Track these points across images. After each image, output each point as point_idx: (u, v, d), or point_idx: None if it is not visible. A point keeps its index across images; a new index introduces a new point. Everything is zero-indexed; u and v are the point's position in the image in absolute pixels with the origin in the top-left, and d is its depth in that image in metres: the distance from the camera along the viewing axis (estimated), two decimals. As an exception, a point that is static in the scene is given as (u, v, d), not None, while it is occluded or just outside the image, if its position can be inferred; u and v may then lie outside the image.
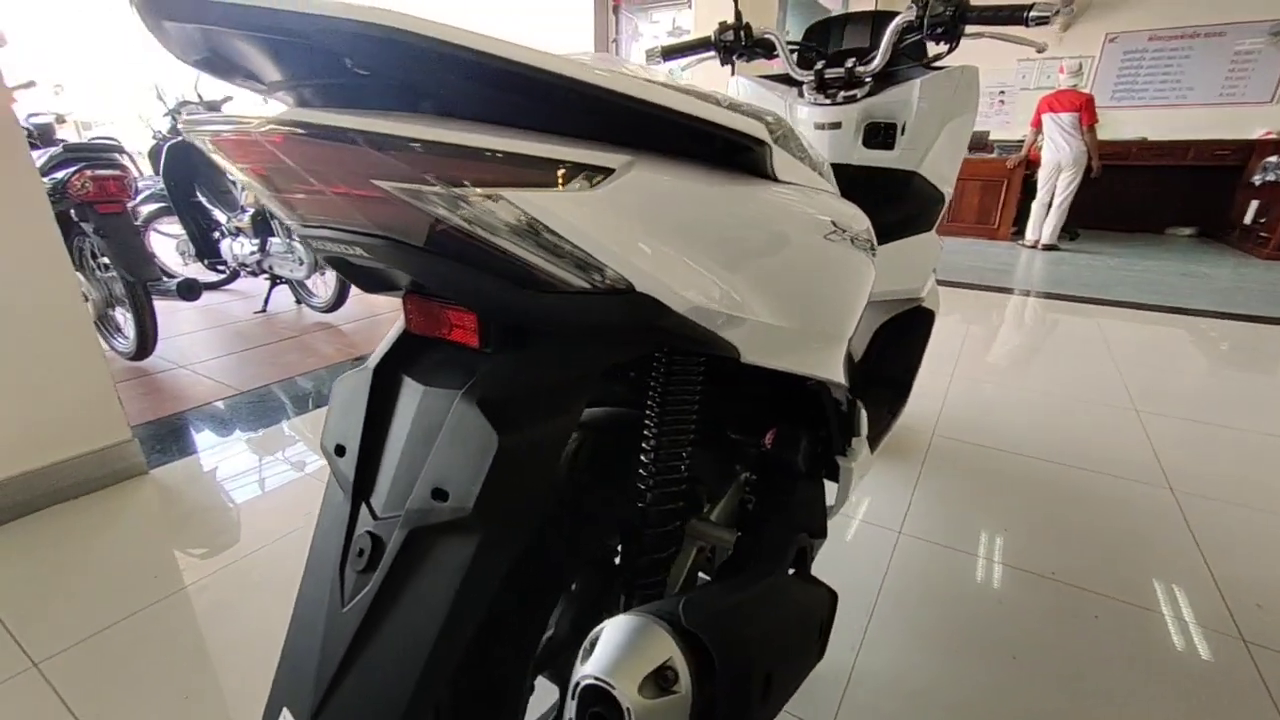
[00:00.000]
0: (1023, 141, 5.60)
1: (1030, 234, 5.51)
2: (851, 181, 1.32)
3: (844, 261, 0.64)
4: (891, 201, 1.35)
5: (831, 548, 1.36)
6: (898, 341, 1.46)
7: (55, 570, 1.29)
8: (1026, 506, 1.51)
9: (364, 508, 0.46)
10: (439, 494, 0.42)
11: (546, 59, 0.35)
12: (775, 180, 0.53)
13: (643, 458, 0.61)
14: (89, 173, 2.03)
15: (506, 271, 0.39)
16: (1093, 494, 1.57)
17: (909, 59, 1.29)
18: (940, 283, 3.92)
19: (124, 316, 2.34)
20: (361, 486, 0.46)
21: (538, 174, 0.35)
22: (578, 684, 0.39)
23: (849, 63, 1.23)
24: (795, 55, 1.33)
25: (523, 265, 0.38)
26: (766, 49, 1.28)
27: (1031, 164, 5.53)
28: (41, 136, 4.60)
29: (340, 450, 0.48)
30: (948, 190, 1.40)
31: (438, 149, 0.32)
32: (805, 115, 1.31)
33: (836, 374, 0.78)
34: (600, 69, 0.38)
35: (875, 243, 0.76)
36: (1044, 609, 1.18)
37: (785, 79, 1.39)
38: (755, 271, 0.51)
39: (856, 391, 1.31)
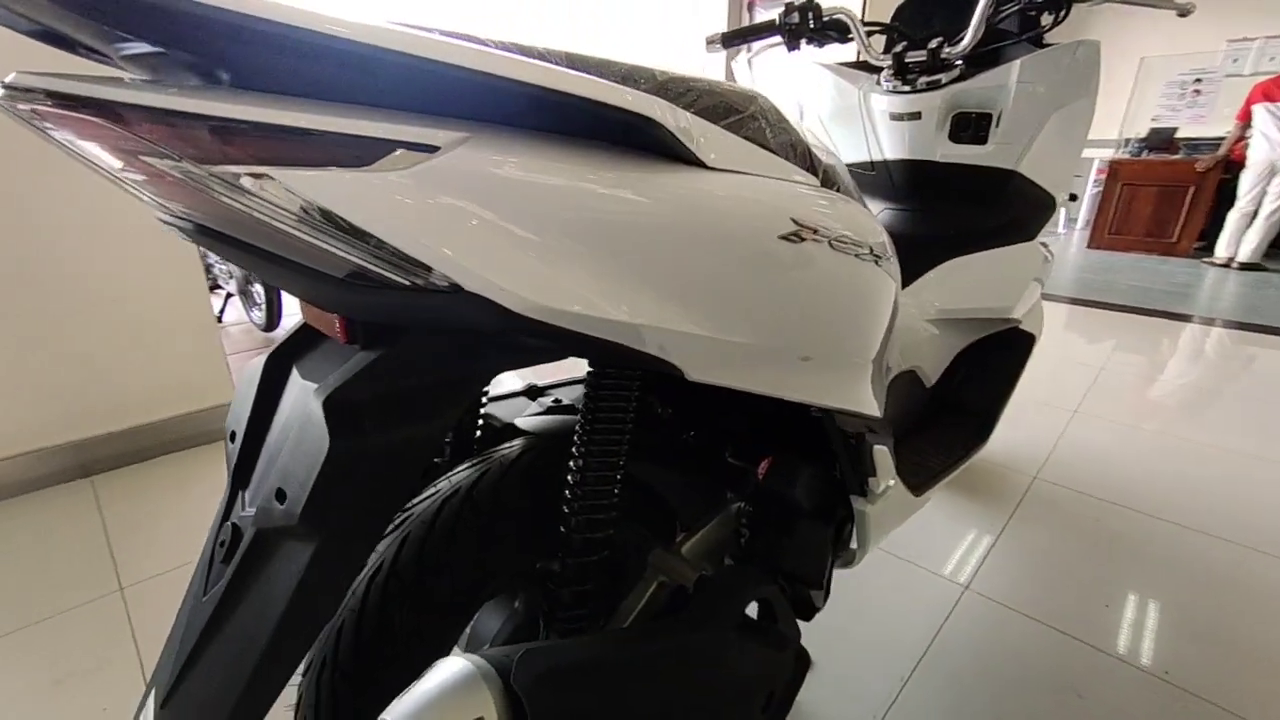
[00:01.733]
0: (1221, 139, 4.70)
1: (1223, 249, 4.62)
2: (931, 182, 1.15)
3: (826, 270, 0.54)
4: (981, 205, 1.16)
5: (874, 591, 1.20)
6: (984, 367, 1.26)
7: (155, 511, 1.48)
8: (1147, 581, 1.24)
9: (240, 497, 0.45)
10: (280, 495, 0.40)
11: (355, 29, 0.30)
12: (706, 168, 0.44)
13: (569, 479, 0.55)
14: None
15: (326, 265, 0.35)
16: (1253, 580, 1.26)
17: (1015, 36, 1.09)
18: (1085, 303, 3.42)
19: (258, 293, 2.66)
20: (241, 476, 0.45)
21: (323, 152, 0.31)
22: None
23: (933, 44, 1.07)
24: (876, 38, 1.18)
25: (338, 259, 0.34)
26: (840, 31, 1.15)
27: (1232, 165, 4.63)
28: None
29: (233, 437, 0.48)
30: (1059, 193, 1.18)
31: (198, 122, 0.29)
32: (879, 105, 1.17)
33: (849, 402, 0.67)
34: (441, 39, 0.33)
35: (888, 253, 0.64)
36: (1143, 717, 0.95)
37: (865, 66, 1.24)
38: (667, 274, 0.43)
39: (909, 422, 1.15)
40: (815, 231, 0.50)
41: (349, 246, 0.33)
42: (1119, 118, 6.22)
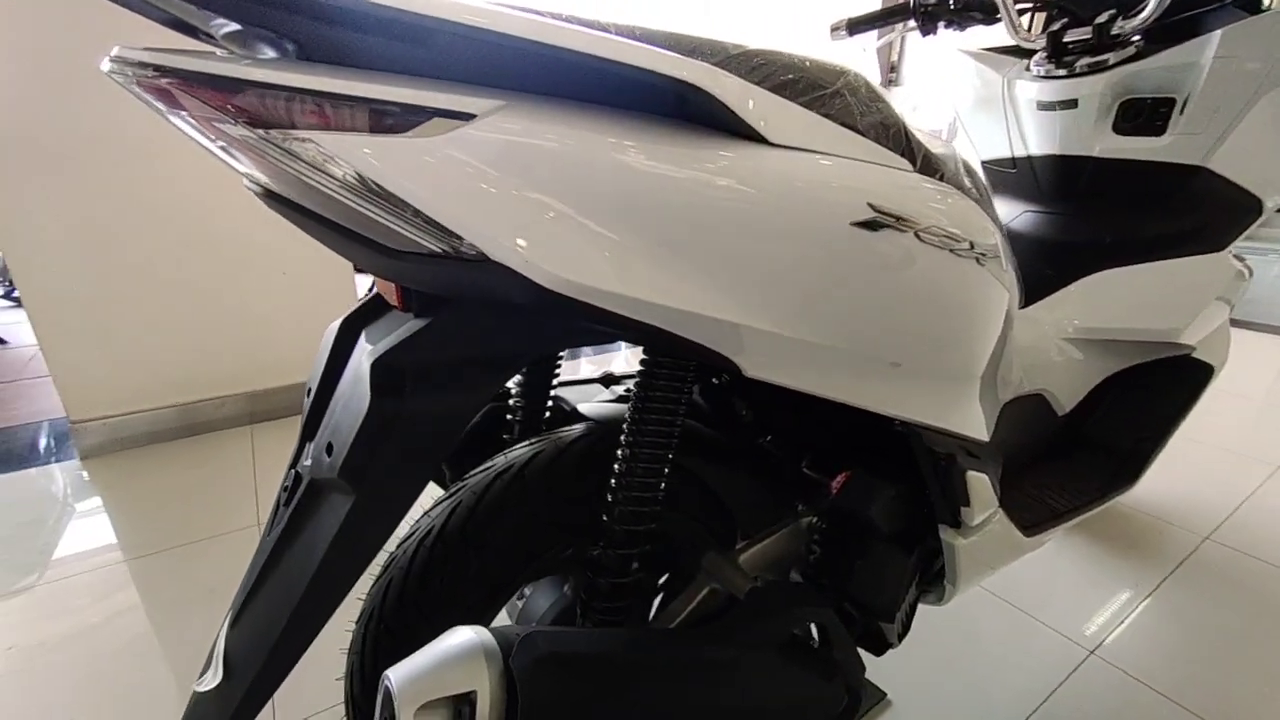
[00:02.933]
0: None
1: None
2: (1086, 180, 1.00)
3: (914, 264, 0.48)
4: (1151, 208, 0.99)
5: (983, 637, 1.07)
6: (1138, 399, 1.07)
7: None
8: (1343, 682, 0.99)
9: (306, 448, 0.50)
10: (330, 448, 0.43)
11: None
12: (769, 144, 0.41)
13: (616, 467, 0.54)
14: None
15: (375, 232, 0.37)
16: None
17: (1226, 3, 0.91)
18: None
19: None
20: (309, 429, 0.50)
21: (362, 119, 0.33)
22: (383, 678, 0.37)
23: (1103, 17, 0.92)
24: (1032, 17, 1.04)
25: (382, 226, 0.36)
26: (985, 11, 1.02)
27: None
28: None
29: (309, 393, 0.53)
30: (1267, 194, 0.97)
31: (247, 88, 0.32)
32: (1025, 93, 1.03)
33: (947, 421, 0.61)
34: (485, 7, 0.34)
35: (999, 255, 0.56)
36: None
37: (1017, 51, 1.10)
38: (718, 259, 0.41)
39: (1031, 452, 1.00)
40: (900, 220, 0.45)
41: (386, 212, 0.35)
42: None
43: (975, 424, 0.67)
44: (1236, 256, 1.04)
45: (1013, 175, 1.14)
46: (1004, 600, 1.17)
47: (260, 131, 0.33)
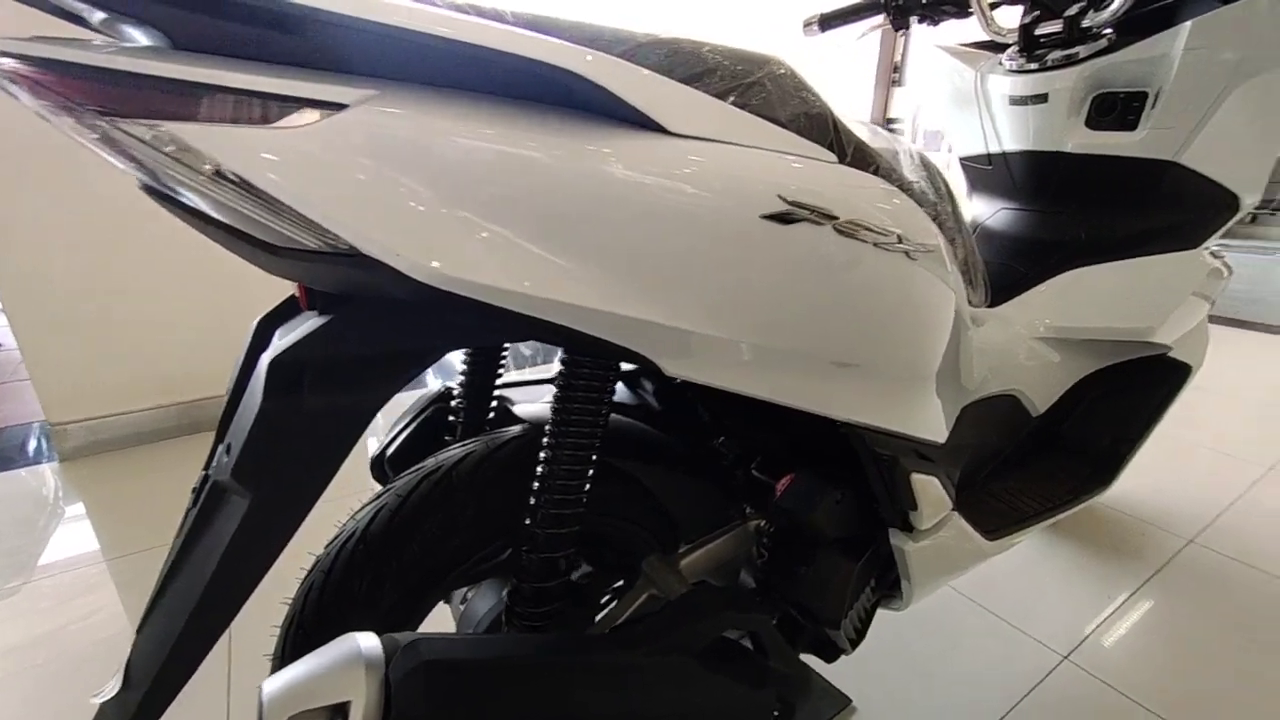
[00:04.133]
0: None
1: None
2: (1060, 177, 0.98)
3: (836, 259, 0.46)
4: (1125, 205, 0.97)
5: (954, 641, 1.05)
6: (1115, 399, 1.05)
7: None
8: (1323, 691, 0.96)
9: (218, 450, 0.49)
10: (229, 449, 0.42)
11: None
12: (669, 134, 0.40)
13: (539, 470, 0.53)
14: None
15: (250, 227, 0.36)
16: None
17: None
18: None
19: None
20: (222, 430, 0.49)
21: (225, 109, 0.31)
22: (259, 687, 0.36)
23: (1073, 9, 0.90)
24: (1005, 11, 1.02)
25: (259, 220, 0.35)
26: (958, 5, 1.01)
27: None
28: None
29: (228, 393, 0.52)
30: (1245, 189, 0.95)
31: (105, 76, 0.30)
32: (998, 88, 1.01)
33: (893, 422, 0.59)
34: None
35: (934, 250, 0.55)
36: None
37: (992, 46, 1.08)
38: (614, 252, 0.39)
39: (1003, 453, 0.98)
40: (815, 212, 0.44)
41: (258, 208, 0.34)
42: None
43: (928, 425, 0.65)
44: (1214, 254, 1.02)
45: (989, 172, 1.12)
46: (977, 604, 1.15)
47: (121, 123, 0.32)
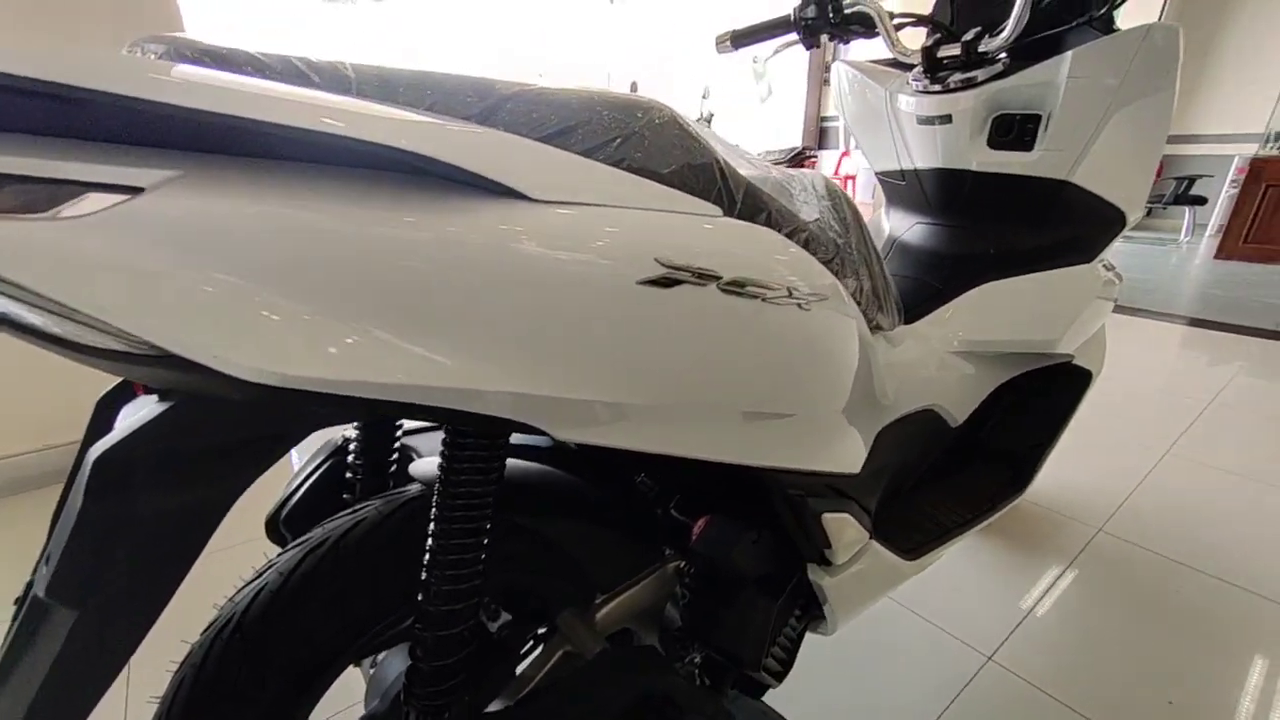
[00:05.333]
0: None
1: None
2: (968, 194, 1.01)
3: (724, 318, 0.45)
4: (1027, 221, 1.01)
5: (883, 649, 1.07)
6: (1026, 406, 1.09)
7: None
8: (1233, 676, 1.03)
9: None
10: (48, 559, 0.37)
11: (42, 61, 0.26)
12: (532, 200, 0.37)
13: (428, 543, 0.50)
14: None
15: (47, 324, 0.32)
16: (1354, 681, 1.02)
17: (1080, 21, 0.92)
18: (1201, 323, 2.97)
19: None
20: (53, 526, 0.44)
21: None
22: None
23: (969, 35, 0.93)
24: (912, 32, 1.04)
25: (48, 319, 0.30)
26: (865, 25, 1.02)
27: None
28: None
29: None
30: (1130, 207, 1.00)
31: None
32: (906, 107, 1.03)
33: (802, 461, 0.59)
34: (149, 73, 0.28)
35: (830, 293, 0.54)
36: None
37: (901, 64, 1.11)
38: (482, 328, 0.36)
39: (923, 469, 1.01)
40: (697, 274, 0.42)
41: (43, 307, 0.29)
42: (1268, 108, 5.39)
43: (840, 458, 0.65)
44: (1106, 265, 1.07)
45: (903, 187, 1.14)
46: (906, 608, 1.18)
47: None
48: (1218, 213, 5.46)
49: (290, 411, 0.39)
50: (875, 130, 1.13)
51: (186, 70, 0.29)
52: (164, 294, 0.29)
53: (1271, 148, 4.92)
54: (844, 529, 0.63)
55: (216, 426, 0.37)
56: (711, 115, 5.10)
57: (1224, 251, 4.73)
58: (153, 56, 0.34)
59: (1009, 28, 0.87)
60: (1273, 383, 2.27)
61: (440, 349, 0.35)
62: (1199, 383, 2.25)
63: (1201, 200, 5.26)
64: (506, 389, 0.38)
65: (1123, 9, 0.88)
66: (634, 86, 5.22)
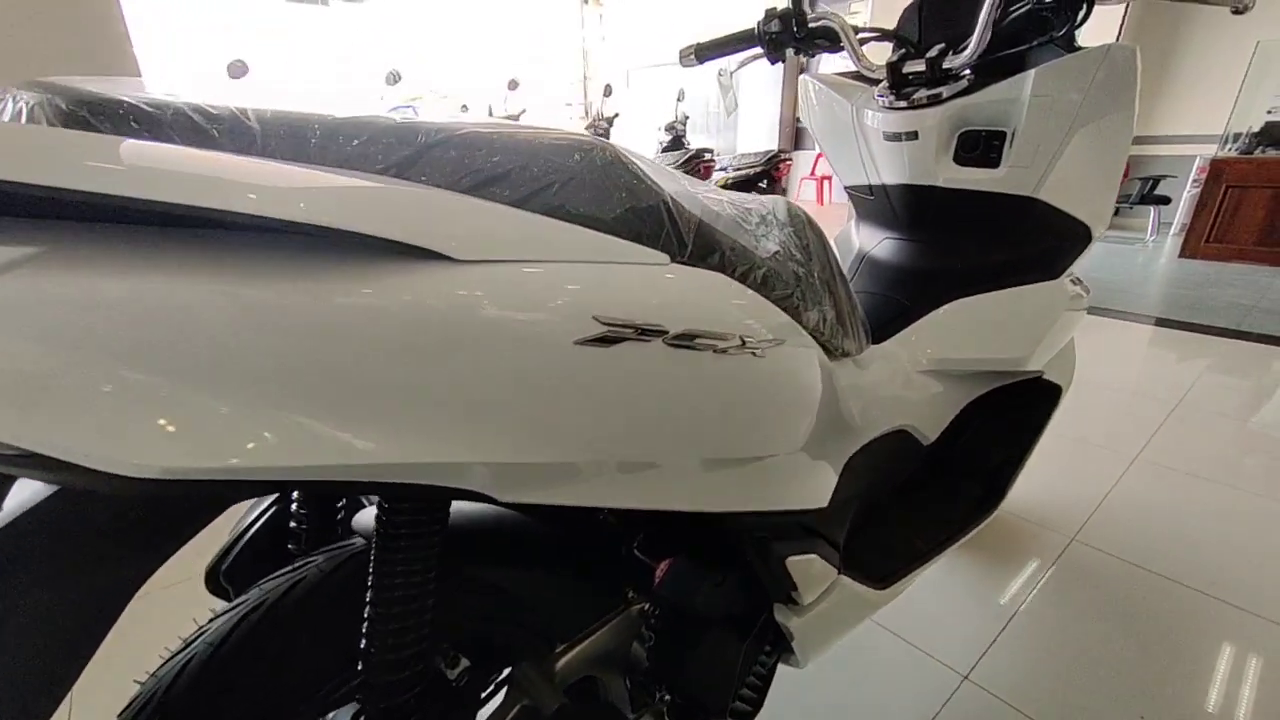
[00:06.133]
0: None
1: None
2: (936, 210, 1.00)
3: (669, 376, 0.43)
4: (995, 237, 1.00)
5: (859, 668, 1.06)
6: (996, 423, 1.09)
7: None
8: (1206, 690, 1.04)
9: None
10: None
11: None
12: (457, 262, 0.34)
13: (368, 607, 0.47)
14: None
15: None
16: (1319, 688, 1.03)
17: (1038, 39, 0.92)
18: (1167, 323, 3.03)
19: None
20: None
21: None
22: None
23: (933, 52, 0.92)
24: (876, 47, 1.03)
25: None
26: (829, 40, 1.01)
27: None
28: None
29: None
30: (1096, 222, 1.00)
31: None
32: (872, 123, 1.02)
33: (767, 503, 0.57)
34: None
35: (785, 336, 0.52)
36: None
37: (862, 77, 1.10)
38: (405, 399, 0.34)
39: (895, 489, 1.00)
40: (638, 330, 0.39)
41: None
42: (1225, 110, 5.54)
43: (805, 495, 0.64)
44: (1074, 280, 1.07)
45: (871, 202, 1.13)
46: (879, 624, 1.17)
47: None
48: (1180, 212, 5.60)
49: (193, 494, 0.35)
50: (842, 144, 1.12)
51: (41, 138, 0.26)
52: (23, 389, 0.26)
53: (1230, 149, 5.05)
54: (810, 569, 0.61)
55: (111, 510, 0.34)
56: (686, 118, 5.09)
57: (1188, 250, 4.84)
58: (23, 107, 0.30)
59: (972, 45, 0.87)
60: (1237, 383, 2.32)
61: (354, 425, 0.32)
62: (1166, 384, 2.29)
63: (1165, 200, 5.38)
64: (434, 460, 0.35)
65: (1083, 27, 0.87)
66: (608, 90, 5.20)
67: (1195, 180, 5.32)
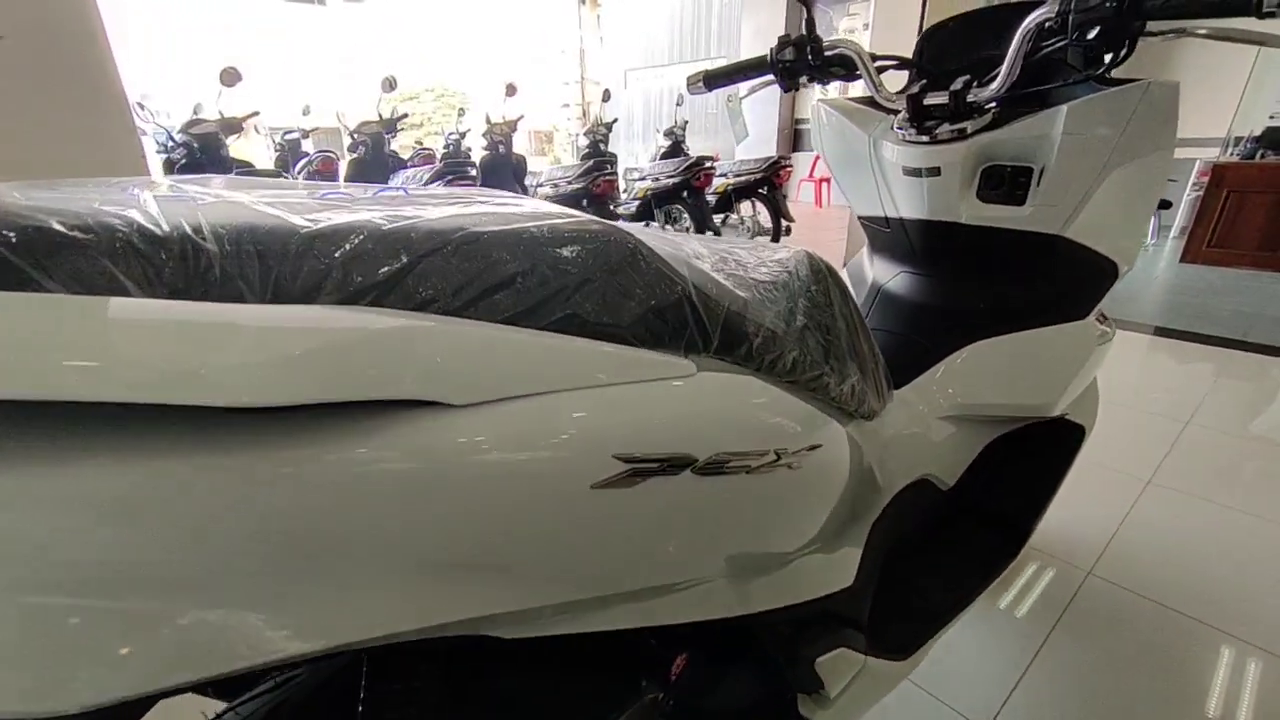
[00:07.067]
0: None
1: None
2: (957, 246, 0.96)
3: (701, 504, 0.38)
4: (1019, 275, 0.96)
5: (875, 731, 1.02)
6: (1016, 466, 1.04)
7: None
8: (1216, 737, 1.00)
9: None
10: None
11: None
12: (456, 408, 0.29)
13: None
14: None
15: None
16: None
17: (1071, 70, 0.87)
18: (1172, 334, 3.00)
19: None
20: None
21: None
22: None
23: (958, 84, 0.87)
24: (893, 75, 0.99)
25: None
26: (846, 67, 0.96)
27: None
28: (291, 150, 5.50)
29: None
30: (1123, 259, 0.96)
31: None
32: (891, 156, 0.97)
33: (789, 598, 0.52)
34: None
35: (823, 436, 0.48)
36: None
37: (875, 103, 1.05)
38: (398, 564, 0.29)
39: (919, 539, 0.95)
40: (663, 463, 0.34)
41: None
42: (1228, 114, 5.52)
43: (832, 577, 0.59)
44: (1100, 317, 1.03)
45: (888, 234, 1.09)
46: (900, 675, 1.12)
47: None
48: (1180, 215, 5.58)
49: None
50: (857, 174, 1.07)
51: None
52: None
53: (1232, 153, 5.03)
54: (837, 665, 0.57)
55: None
56: (686, 123, 5.04)
57: (1189, 255, 4.82)
58: None
59: (1000, 78, 0.82)
60: (1246, 399, 2.29)
61: (356, 598, 0.27)
62: (1175, 400, 2.26)
63: (1167, 204, 5.32)
64: (437, 621, 0.30)
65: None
66: (606, 95, 5.14)
67: (1195, 184, 5.30)
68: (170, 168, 3.47)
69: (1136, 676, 1.11)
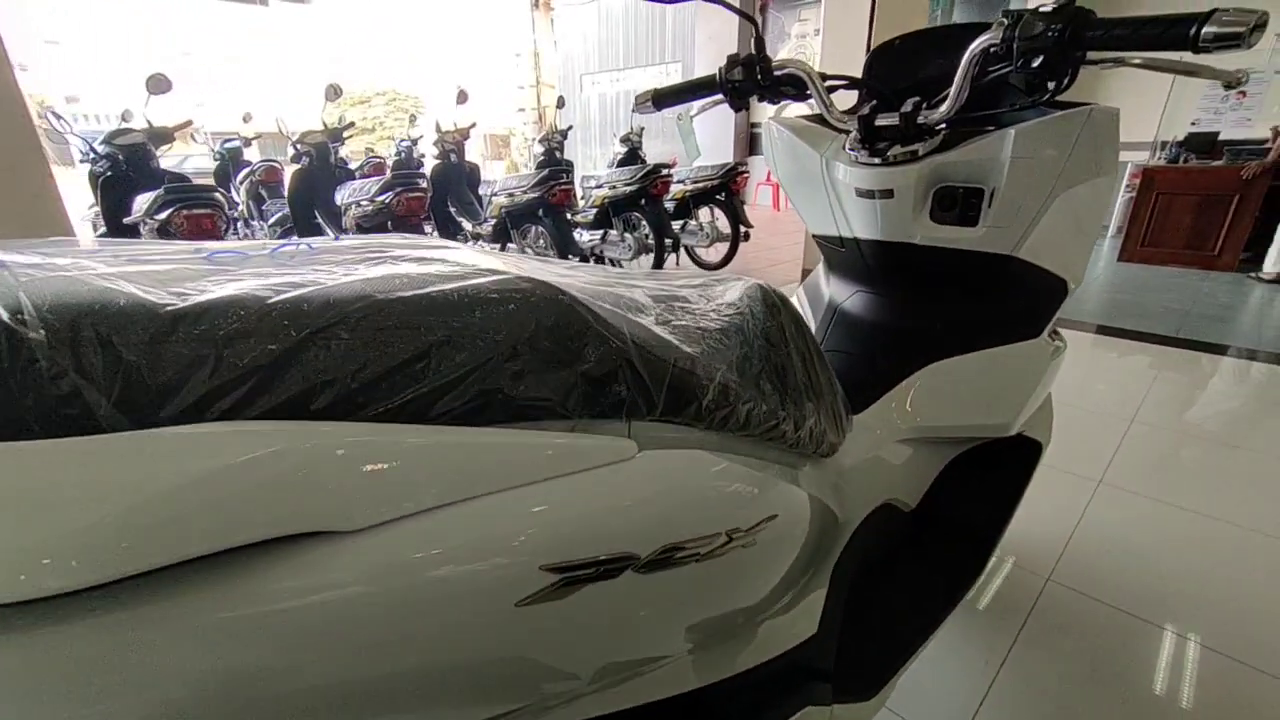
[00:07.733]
0: (1266, 143, 4.34)
1: (1272, 264, 4.27)
2: (912, 266, 0.95)
3: (642, 602, 0.34)
4: (974, 295, 0.95)
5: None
6: (976, 484, 1.04)
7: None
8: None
9: None
10: None
11: None
12: (353, 532, 0.25)
13: None
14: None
15: None
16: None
17: (1018, 94, 0.87)
18: (1114, 332, 3.13)
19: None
20: None
21: None
22: None
23: (908, 106, 0.86)
24: (843, 95, 0.98)
25: None
26: (796, 87, 0.95)
27: (1280, 173, 4.28)
28: (233, 159, 5.26)
29: None
30: (1072, 276, 0.96)
31: None
32: (843, 177, 0.96)
33: (758, 658, 0.49)
34: None
35: (779, 509, 0.45)
36: None
37: (826, 121, 1.04)
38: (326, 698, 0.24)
39: (884, 564, 0.94)
40: (599, 567, 0.30)
41: None
42: (1154, 120, 5.82)
43: (797, 628, 0.56)
44: (1052, 334, 1.04)
45: (843, 254, 1.08)
46: (869, 699, 1.11)
47: None
48: (1116, 216, 5.85)
49: None
50: (810, 193, 1.06)
51: None
52: None
53: (1159, 157, 5.29)
54: (808, 726, 0.54)
55: None
56: (643, 129, 5.02)
57: (1126, 254, 5.05)
58: None
59: (949, 102, 0.81)
60: (1184, 395, 2.39)
61: None
62: (1117, 399, 2.34)
63: (1102, 206, 5.60)
64: None
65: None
66: (560, 102, 5.07)
67: (1129, 185, 5.56)
68: (95, 180, 3.26)
69: (1100, 686, 1.12)
